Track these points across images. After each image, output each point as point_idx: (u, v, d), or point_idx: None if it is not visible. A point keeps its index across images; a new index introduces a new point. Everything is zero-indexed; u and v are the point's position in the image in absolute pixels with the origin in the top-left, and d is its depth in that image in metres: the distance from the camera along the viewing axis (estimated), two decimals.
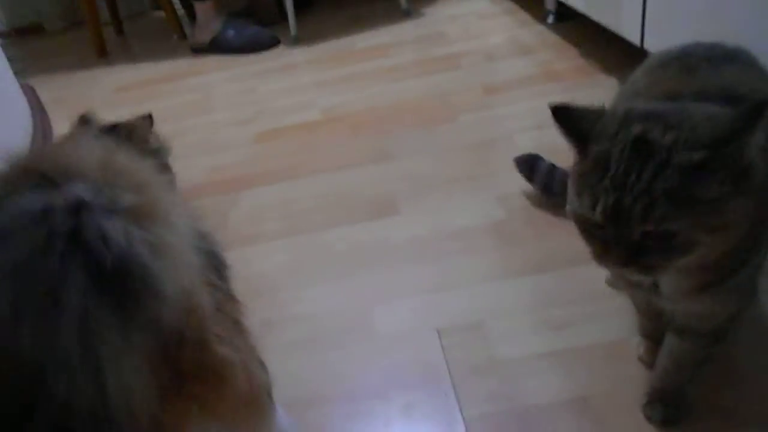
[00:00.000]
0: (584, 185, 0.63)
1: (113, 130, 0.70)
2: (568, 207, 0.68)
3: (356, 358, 1.09)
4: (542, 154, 1.39)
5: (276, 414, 0.77)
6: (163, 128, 0.95)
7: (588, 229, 0.66)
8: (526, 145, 1.51)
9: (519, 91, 1.89)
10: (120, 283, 0.43)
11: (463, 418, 0.94)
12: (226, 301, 0.55)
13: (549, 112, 0.68)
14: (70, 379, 0.43)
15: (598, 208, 0.61)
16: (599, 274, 1.12)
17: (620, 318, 1.04)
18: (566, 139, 0.67)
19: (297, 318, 1.22)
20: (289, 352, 1.14)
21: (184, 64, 2.74)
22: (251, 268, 1.36)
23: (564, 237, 1.23)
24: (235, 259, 0.73)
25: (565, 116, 0.66)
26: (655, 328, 0.92)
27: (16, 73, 2.03)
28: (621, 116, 0.63)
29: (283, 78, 2.39)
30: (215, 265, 0.55)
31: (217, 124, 2.11)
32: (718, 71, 0.74)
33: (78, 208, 0.44)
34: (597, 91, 1.78)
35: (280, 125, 2.00)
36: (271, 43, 2.70)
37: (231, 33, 2.71)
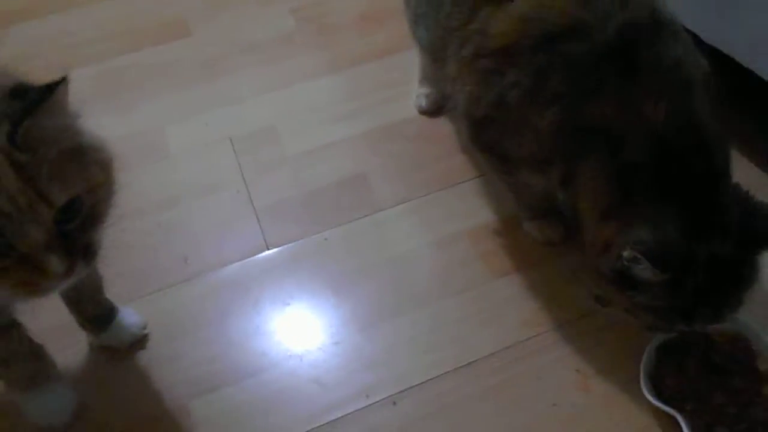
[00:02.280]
0: None
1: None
2: None
3: (153, 175, 1.03)
4: None
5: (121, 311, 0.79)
6: None
7: None
8: None
9: None
10: None
11: (255, 209, 0.96)
12: None
13: None
14: None
15: None
16: (376, 69, 1.15)
17: (392, 105, 1.08)
18: None
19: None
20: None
21: None
22: None
23: (351, 41, 1.21)
24: None
25: None
26: (547, 207, 0.86)
27: None
28: None
29: None
30: None
31: None
32: None
33: None
34: None
35: None
36: None
37: None
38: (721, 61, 0.79)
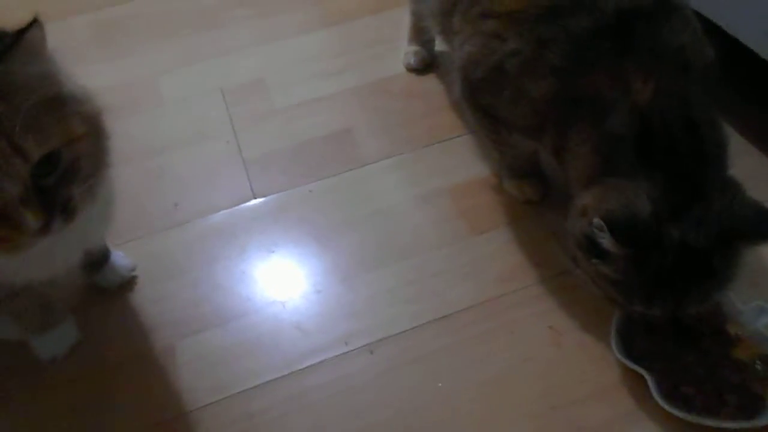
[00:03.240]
0: None
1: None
2: None
3: (144, 123, 1.01)
4: None
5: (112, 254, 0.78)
6: None
7: None
8: None
9: None
10: None
11: (243, 159, 0.94)
12: None
13: None
14: None
15: None
16: (367, 25, 1.12)
17: (381, 61, 1.05)
18: None
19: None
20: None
21: None
22: None
23: None
24: None
25: None
26: (530, 167, 0.84)
27: None
28: None
29: None
30: None
31: None
32: None
33: None
34: None
35: None
36: None
37: None
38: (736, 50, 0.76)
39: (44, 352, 0.74)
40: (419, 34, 1.00)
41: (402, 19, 1.06)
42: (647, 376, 0.63)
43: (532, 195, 0.81)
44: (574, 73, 0.61)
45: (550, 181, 0.84)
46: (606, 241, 0.56)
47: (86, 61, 1.11)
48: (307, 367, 0.71)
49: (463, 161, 0.90)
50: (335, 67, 1.06)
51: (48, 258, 0.53)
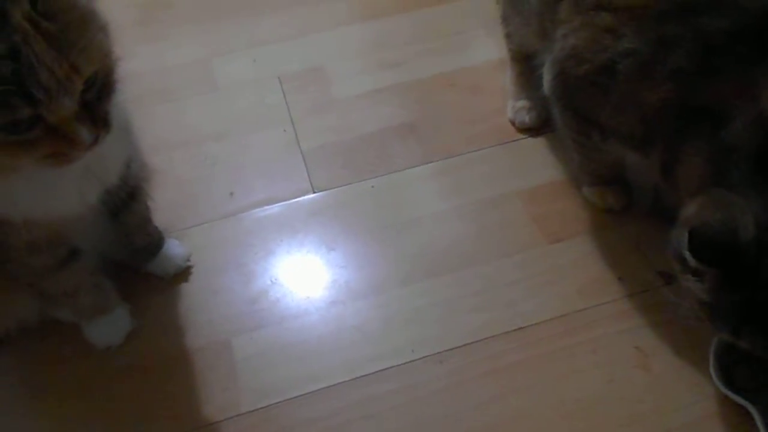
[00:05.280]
0: None
1: None
2: None
3: (200, 107, 0.94)
4: None
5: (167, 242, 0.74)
6: None
7: None
8: None
9: None
10: None
11: (301, 150, 0.86)
12: None
13: None
14: None
15: None
16: (433, 17, 1.02)
17: (445, 55, 0.96)
18: None
19: (137, 74, 1.01)
20: (134, 106, 0.97)
21: None
22: None
23: None
24: None
25: None
26: (615, 174, 0.75)
27: None
28: None
29: None
30: None
31: None
32: None
33: None
34: None
35: None
36: None
37: None
38: None
39: (99, 340, 0.68)
40: (527, 82, 0.82)
41: (469, 12, 0.97)
42: (753, 410, 0.55)
43: (614, 203, 0.72)
44: (698, 79, 0.51)
45: (635, 189, 0.75)
46: (686, 252, 0.48)
47: (134, 41, 1.05)
48: (371, 374, 0.64)
49: (534, 163, 0.81)
50: (397, 58, 0.97)
51: (70, 188, 0.53)
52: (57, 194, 0.52)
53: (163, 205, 0.73)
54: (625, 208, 0.73)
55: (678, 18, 0.52)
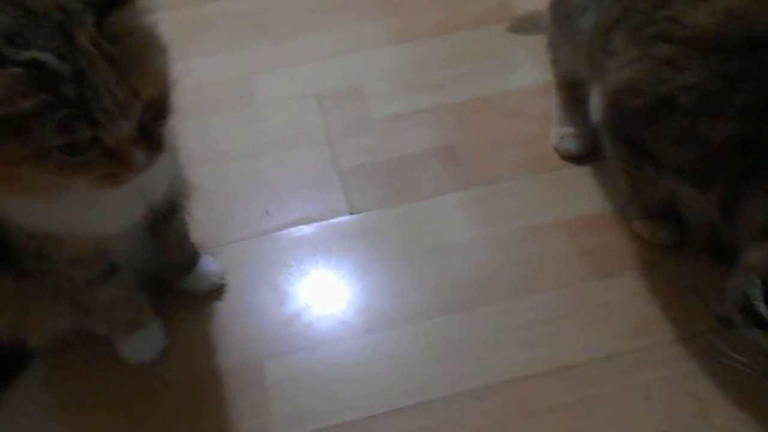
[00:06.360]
0: None
1: None
2: None
3: (237, 123, 0.93)
4: None
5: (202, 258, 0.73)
6: None
7: None
8: None
9: None
10: None
11: (338, 170, 0.84)
12: None
13: None
14: None
15: None
16: (472, 39, 1.00)
17: (486, 78, 0.93)
18: None
19: (180, 87, 1.02)
20: (173, 120, 0.98)
21: None
22: None
23: (442, 5, 1.05)
24: None
25: None
26: (667, 208, 0.71)
27: None
28: None
29: None
30: None
31: None
32: None
33: None
34: None
35: None
36: None
37: None
38: None
39: (132, 356, 0.67)
40: (573, 109, 0.79)
41: (509, 37, 0.94)
42: None
43: (666, 239, 0.68)
44: (766, 117, 0.48)
45: (690, 224, 0.71)
46: (759, 304, 0.44)
47: (174, 56, 1.06)
48: (408, 407, 0.60)
49: (580, 193, 0.77)
50: (435, 80, 0.94)
51: (116, 207, 0.53)
52: (104, 212, 0.52)
53: (199, 221, 0.71)
54: (678, 244, 0.68)
55: (746, 52, 0.49)
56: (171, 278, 0.72)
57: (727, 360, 0.51)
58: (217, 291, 0.72)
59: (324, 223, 0.79)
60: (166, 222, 0.64)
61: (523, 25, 1.00)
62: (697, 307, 0.64)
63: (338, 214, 0.79)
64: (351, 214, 0.79)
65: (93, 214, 0.51)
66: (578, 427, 0.57)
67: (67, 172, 0.43)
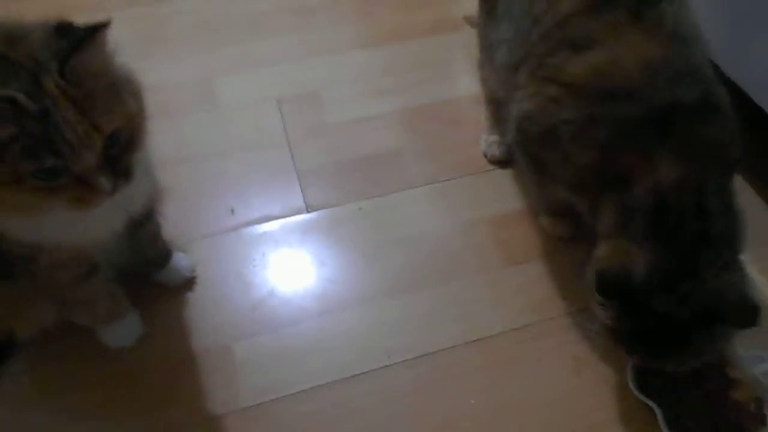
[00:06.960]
0: None
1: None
2: None
3: (200, 125, 1.00)
4: None
5: (174, 254, 0.81)
6: None
7: None
8: None
9: None
10: None
11: (297, 171, 0.94)
12: None
13: None
14: None
15: None
16: (428, 46, 1.09)
17: (431, 85, 1.04)
18: None
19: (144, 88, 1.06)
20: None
21: None
22: None
23: (401, 15, 1.14)
24: None
25: None
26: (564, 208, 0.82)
27: None
28: None
29: None
30: None
31: None
32: None
33: None
34: None
35: None
36: None
37: None
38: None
39: (112, 341, 0.76)
40: (499, 120, 0.91)
41: (456, 45, 1.03)
42: (656, 410, 0.67)
43: (563, 232, 0.83)
44: (614, 150, 0.63)
45: (581, 222, 0.83)
46: (592, 289, 0.60)
47: (136, 57, 1.07)
48: (353, 376, 0.73)
49: (503, 193, 0.90)
50: (388, 87, 1.04)
51: (100, 220, 0.59)
52: (89, 225, 0.58)
53: (170, 220, 0.79)
54: (572, 237, 0.83)
55: (604, 101, 0.62)
56: (146, 273, 0.80)
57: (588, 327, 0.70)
58: (188, 283, 0.81)
59: (284, 220, 0.89)
60: (142, 225, 0.71)
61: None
62: (581, 287, 0.76)
63: (297, 212, 0.89)
64: (308, 211, 0.89)
65: (79, 226, 0.57)
66: (486, 385, 0.72)
67: (41, 195, 0.49)
